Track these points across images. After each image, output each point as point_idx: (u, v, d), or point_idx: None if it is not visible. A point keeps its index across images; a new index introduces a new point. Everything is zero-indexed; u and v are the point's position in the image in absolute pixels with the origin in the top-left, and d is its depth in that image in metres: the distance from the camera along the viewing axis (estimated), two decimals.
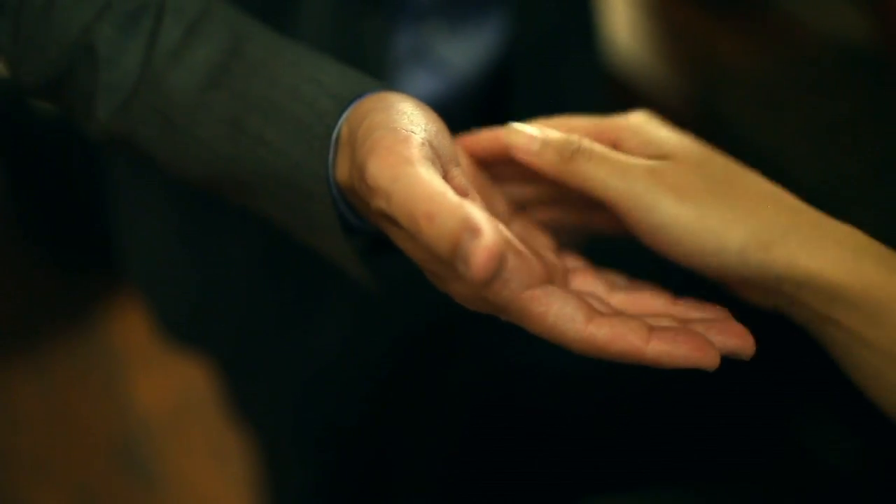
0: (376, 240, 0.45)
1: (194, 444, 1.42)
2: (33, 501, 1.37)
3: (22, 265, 1.66)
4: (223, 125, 0.40)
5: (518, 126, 0.39)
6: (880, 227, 0.69)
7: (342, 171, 0.38)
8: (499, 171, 0.43)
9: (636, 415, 0.74)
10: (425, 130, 0.35)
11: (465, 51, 0.63)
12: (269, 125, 0.39)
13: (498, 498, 0.78)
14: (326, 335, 0.71)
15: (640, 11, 0.92)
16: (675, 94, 0.84)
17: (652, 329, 0.34)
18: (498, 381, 0.79)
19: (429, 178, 0.32)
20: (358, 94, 0.39)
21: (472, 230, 0.30)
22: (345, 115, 0.38)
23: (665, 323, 0.36)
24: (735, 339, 0.36)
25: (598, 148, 0.37)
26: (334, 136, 0.38)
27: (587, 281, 0.39)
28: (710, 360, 0.34)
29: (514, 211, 0.44)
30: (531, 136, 0.38)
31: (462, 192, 0.36)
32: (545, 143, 0.38)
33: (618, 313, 0.36)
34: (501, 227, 0.35)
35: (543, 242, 0.42)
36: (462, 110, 0.66)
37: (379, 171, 0.33)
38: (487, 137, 0.42)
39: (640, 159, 0.37)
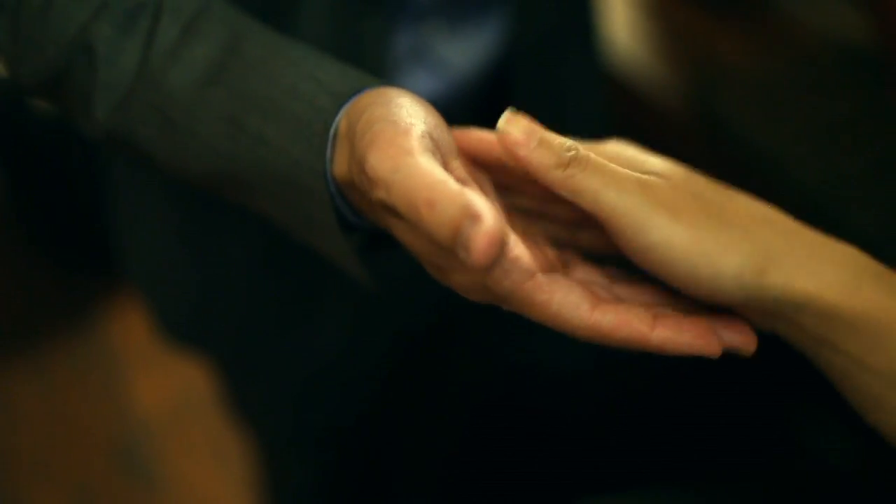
0: (374, 238, 0.45)
1: (194, 443, 1.42)
2: (33, 501, 1.37)
3: (22, 265, 1.66)
4: (222, 123, 0.40)
5: (516, 116, 0.36)
6: (880, 227, 0.69)
7: (340, 167, 0.38)
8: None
9: (636, 415, 0.74)
10: (425, 123, 0.35)
11: (464, 51, 0.63)
12: (267, 123, 0.39)
13: (498, 498, 0.78)
14: (326, 335, 0.71)
15: (639, 11, 0.92)
16: (674, 95, 0.84)
17: (657, 316, 0.34)
18: (498, 381, 0.79)
19: (429, 167, 0.32)
20: (356, 91, 0.39)
21: (473, 216, 0.30)
22: (343, 111, 0.38)
23: (668, 312, 0.36)
24: (738, 334, 0.36)
25: (594, 157, 0.36)
26: (332, 132, 0.38)
27: (588, 271, 0.39)
28: (713, 348, 0.34)
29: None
30: (530, 130, 0.36)
31: (462, 183, 0.36)
32: (543, 142, 0.36)
33: (621, 301, 0.36)
34: (501, 215, 0.35)
35: (541, 235, 0.42)
36: (462, 110, 0.66)
37: (379, 161, 0.33)
38: (477, 138, 0.41)
39: (635, 173, 0.36)
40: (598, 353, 0.75)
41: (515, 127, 0.36)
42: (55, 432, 1.45)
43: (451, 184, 0.31)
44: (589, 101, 0.73)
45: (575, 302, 0.34)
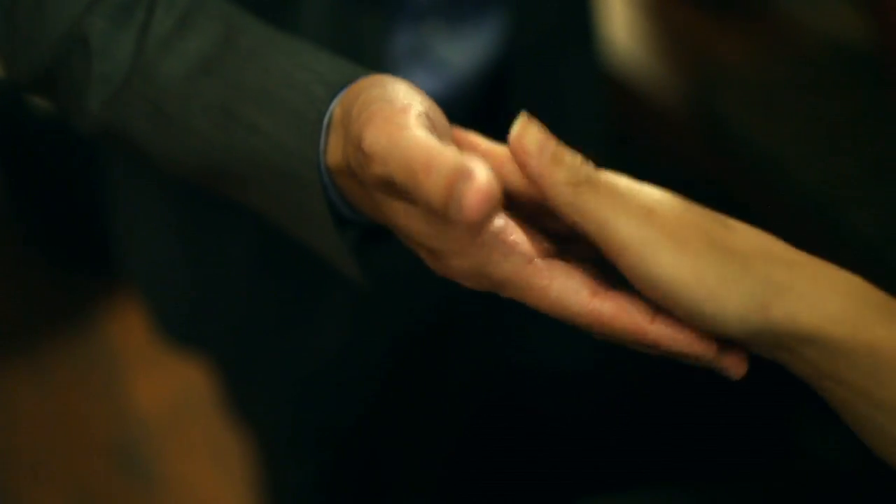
0: (368, 234, 0.44)
1: (193, 443, 1.42)
2: (33, 501, 1.37)
3: (21, 265, 1.66)
4: (215, 113, 0.40)
5: (530, 125, 0.34)
6: (880, 227, 0.69)
7: (334, 155, 0.38)
8: None
9: (636, 415, 0.74)
10: (421, 104, 0.35)
11: (463, 51, 0.63)
12: (261, 112, 0.39)
13: (497, 498, 0.78)
14: (325, 335, 0.71)
15: (639, 11, 0.92)
16: (674, 95, 0.84)
17: (657, 310, 0.34)
18: (497, 381, 0.79)
19: (426, 137, 0.31)
20: (350, 81, 0.39)
21: (466, 174, 0.29)
22: (337, 100, 0.38)
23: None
24: (731, 356, 0.35)
25: (606, 178, 0.34)
26: (325, 121, 0.38)
27: (587, 265, 0.39)
28: (709, 354, 0.34)
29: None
30: (543, 141, 0.34)
31: None
32: (556, 157, 0.34)
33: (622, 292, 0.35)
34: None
35: (539, 226, 0.41)
36: (461, 110, 0.66)
37: (376, 137, 0.33)
38: (471, 142, 0.41)
39: (639, 196, 0.34)
40: (598, 354, 0.75)
41: (529, 136, 0.34)
42: (55, 432, 1.45)
43: (448, 150, 0.30)
44: (588, 101, 0.73)
45: (574, 287, 0.34)
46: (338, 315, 0.70)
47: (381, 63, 0.56)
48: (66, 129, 1.45)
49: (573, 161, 0.34)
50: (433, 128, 0.35)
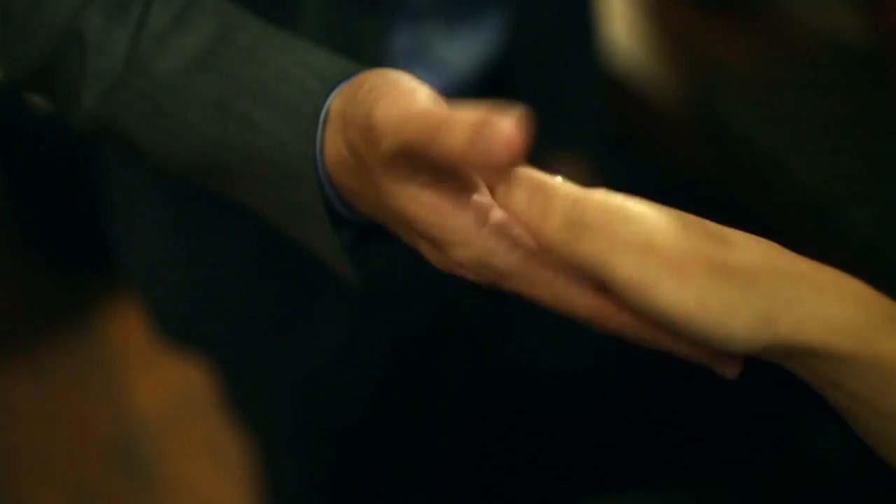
0: (364, 234, 0.44)
1: (193, 444, 1.42)
2: (33, 501, 1.37)
3: (21, 265, 1.66)
4: (210, 108, 0.40)
5: (513, 182, 0.33)
6: (880, 226, 0.69)
7: (331, 149, 0.37)
8: None
9: (636, 415, 0.74)
10: (428, 90, 0.35)
11: (462, 50, 0.63)
12: (256, 107, 0.39)
13: (497, 498, 0.78)
14: (324, 335, 0.71)
15: (638, 12, 0.92)
16: (673, 95, 0.84)
17: None
18: (496, 381, 0.79)
19: (441, 104, 0.31)
20: (347, 76, 0.38)
21: (489, 122, 0.29)
22: (335, 93, 0.38)
23: None
24: (727, 356, 0.35)
25: (598, 213, 0.32)
26: (322, 116, 0.38)
27: None
28: (704, 354, 0.35)
29: None
30: (531, 195, 0.32)
31: None
32: (546, 210, 0.32)
33: None
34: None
35: None
36: None
37: (388, 108, 0.33)
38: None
39: (635, 226, 0.33)
40: (598, 353, 0.75)
41: (515, 196, 0.33)
42: (55, 432, 1.45)
43: (465, 111, 0.30)
44: (588, 101, 0.73)
45: (578, 281, 0.34)
46: (337, 315, 0.70)
47: (379, 63, 0.56)
48: (65, 129, 1.45)
49: (564, 204, 0.32)
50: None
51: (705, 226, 0.34)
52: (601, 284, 0.34)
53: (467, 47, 0.63)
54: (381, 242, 0.44)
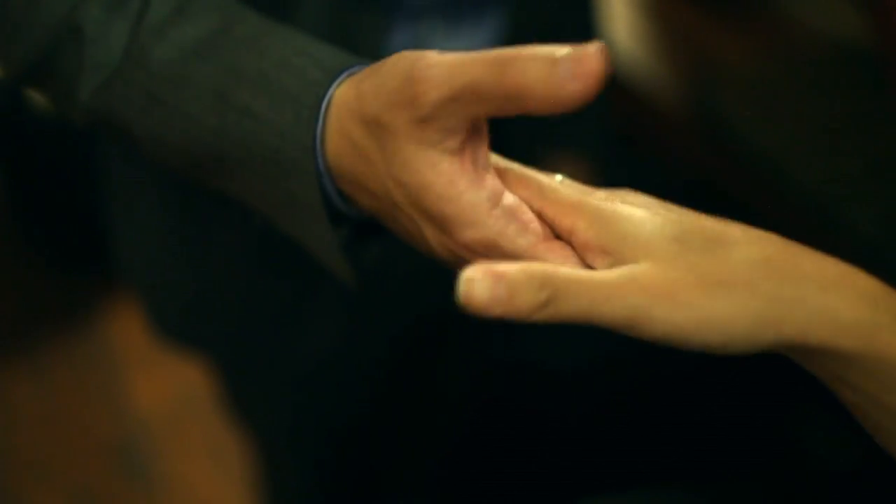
0: (361, 231, 0.44)
1: (192, 444, 1.42)
2: (33, 501, 1.37)
3: (21, 265, 1.66)
4: (209, 97, 0.39)
5: (473, 275, 0.31)
6: (880, 226, 0.69)
7: (334, 136, 0.37)
8: None
9: (636, 415, 0.74)
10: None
11: (462, 49, 0.63)
12: (255, 96, 0.38)
13: (497, 498, 0.78)
14: (323, 335, 0.71)
15: (639, 11, 0.92)
16: (673, 95, 0.83)
17: None
18: (496, 381, 0.79)
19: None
20: (348, 66, 0.38)
21: (570, 53, 0.30)
22: (338, 82, 0.38)
23: None
24: None
25: (570, 280, 0.32)
26: (324, 105, 0.37)
27: None
28: None
29: None
30: (493, 285, 0.31)
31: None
32: (511, 301, 0.31)
33: None
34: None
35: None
36: None
37: (435, 61, 0.33)
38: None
39: (617, 273, 0.32)
40: (599, 353, 0.75)
41: (475, 298, 0.31)
42: (54, 432, 1.45)
43: (537, 46, 0.31)
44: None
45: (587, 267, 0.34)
46: (336, 314, 0.70)
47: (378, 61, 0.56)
48: (65, 129, 1.45)
49: (528, 290, 0.31)
50: None
51: (703, 229, 0.34)
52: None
53: (466, 46, 0.63)
54: (377, 240, 0.44)
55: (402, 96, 0.34)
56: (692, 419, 0.73)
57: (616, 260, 0.33)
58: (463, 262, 0.37)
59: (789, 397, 0.70)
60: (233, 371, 0.77)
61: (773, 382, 0.69)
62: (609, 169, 0.78)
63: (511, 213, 0.34)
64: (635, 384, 0.74)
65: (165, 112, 0.40)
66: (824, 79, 0.81)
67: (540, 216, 0.35)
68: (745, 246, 0.33)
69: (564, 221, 0.35)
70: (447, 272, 0.40)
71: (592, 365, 0.74)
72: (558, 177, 0.37)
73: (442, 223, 0.35)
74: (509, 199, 0.35)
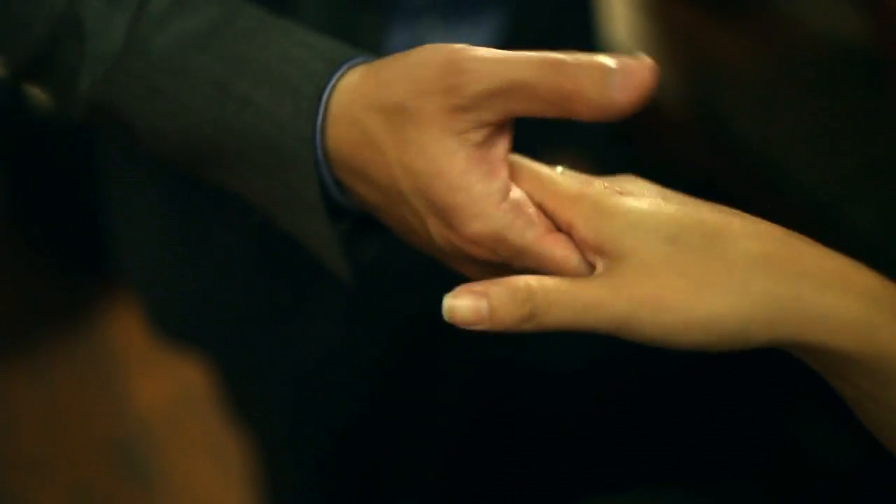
0: (359, 227, 0.44)
1: (192, 443, 1.42)
2: (33, 501, 1.37)
3: (20, 266, 1.66)
4: (209, 88, 0.39)
5: (458, 298, 0.33)
6: (880, 227, 0.69)
7: (337, 125, 0.37)
8: None
9: (635, 415, 0.74)
10: None
11: None
12: (255, 87, 0.38)
13: (497, 498, 0.78)
14: (321, 333, 0.70)
15: (639, 12, 0.92)
16: (673, 95, 0.83)
17: None
18: (495, 380, 0.79)
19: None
20: (349, 58, 0.38)
21: (621, 64, 0.32)
22: (340, 72, 0.38)
23: None
24: None
25: (553, 292, 0.33)
26: (325, 97, 0.37)
27: None
28: None
29: None
30: (476, 301, 0.32)
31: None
32: (494, 317, 0.32)
33: None
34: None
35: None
36: None
37: (482, 54, 0.33)
38: None
39: (601, 280, 0.33)
40: (599, 352, 0.75)
41: (458, 316, 0.33)
42: (55, 432, 1.45)
43: (585, 55, 0.33)
44: None
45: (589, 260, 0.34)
46: (335, 313, 0.70)
47: None
48: (66, 128, 1.45)
49: (510, 304, 0.32)
50: None
51: (701, 223, 0.34)
52: None
53: None
54: (374, 237, 0.44)
55: (436, 85, 0.34)
56: (692, 419, 0.73)
57: (610, 260, 0.33)
58: (464, 259, 0.37)
59: (789, 397, 0.70)
60: (232, 370, 0.77)
61: (772, 382, 0.69)
62: (610, 168, 0.78)
63: (518, 207, 0.35)
64: (635, 384, 0.74)
65: (165, 103, 0.40)
66: (824, 79, 0.81)
67: (541, 209, 0.36)
68: (744, 240, 0.33)
69: (564, 216, 0.35)
70: (445, 271, 0.40)
71: (592, 365, 0.73)
72: (559, 168, 0.37)
73: (448, 215, 0.35)
74: (516, 192, 0.35)
